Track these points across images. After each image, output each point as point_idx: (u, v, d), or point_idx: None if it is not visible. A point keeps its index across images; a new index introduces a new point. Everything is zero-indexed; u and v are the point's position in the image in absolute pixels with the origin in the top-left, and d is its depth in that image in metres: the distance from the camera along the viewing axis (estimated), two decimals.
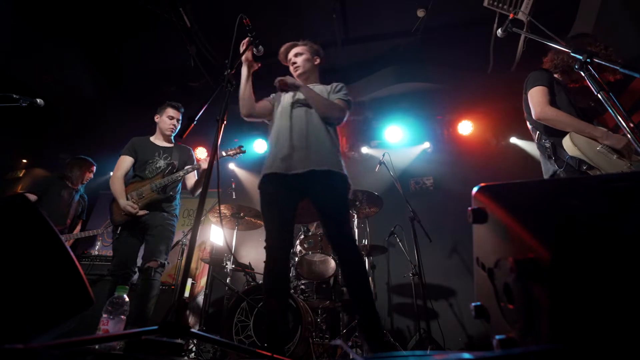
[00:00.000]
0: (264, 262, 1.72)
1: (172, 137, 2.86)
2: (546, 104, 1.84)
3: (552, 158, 1.85)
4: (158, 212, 2.57)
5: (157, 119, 2.84)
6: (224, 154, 2.79)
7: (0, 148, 5.07)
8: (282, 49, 2.17)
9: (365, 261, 1.78)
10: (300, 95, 2.00)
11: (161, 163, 2.70)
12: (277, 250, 1.70)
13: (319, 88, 2.07)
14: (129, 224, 2.51)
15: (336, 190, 1.78)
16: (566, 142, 1.77)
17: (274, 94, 2.17)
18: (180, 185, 2.80)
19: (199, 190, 2.69)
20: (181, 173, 2.65)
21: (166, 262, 2.48)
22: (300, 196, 1.82)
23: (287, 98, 2.04)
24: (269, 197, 1.81)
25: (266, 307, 1.73)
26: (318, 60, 2.16)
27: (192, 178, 2.77)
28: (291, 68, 2.12)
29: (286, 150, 1.81)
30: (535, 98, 1.88)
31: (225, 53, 4.25)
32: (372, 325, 1.61)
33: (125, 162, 2.69)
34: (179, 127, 2.85)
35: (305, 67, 2.09)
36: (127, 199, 2.52)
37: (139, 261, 2.49)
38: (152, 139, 2.82)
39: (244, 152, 2.85)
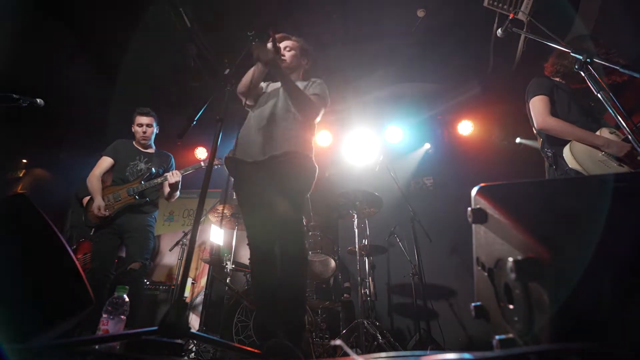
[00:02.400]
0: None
1: (152, 143, 2.88)
2: (547, 114, 1.85)
3: (554, 167, 1.86)
4: (136, 215, 2.59)
5: (133, 128, 2.85)
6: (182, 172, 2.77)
7: (0, 148, 5.06)
8: (277, 36, 2.06)
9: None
10: (282, 92, 1.94)
11: (142, 166, 2.72)
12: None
13: (298, 85, 2.00)
14: (104, 226, 2.53)
15: (295, 170, 1.74)
16: (566, 152, 1.78)
17: (265, 83, 2.13)
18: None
19: (173, 199, 2.77)
20: (159, 180, 2.67)
21: (148, 262, 2.50)
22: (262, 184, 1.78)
23: (273, 94, 2.00)
24: (239, 183, 1.85)
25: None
26: (305, 62, 2.11)
27: (167, 186, 2.77)
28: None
29: (252, 135, 1.83)
30: (536, 108, 1.89)
31: (226, 53, 4.26)
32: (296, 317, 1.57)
33: (105, 162, 2.73)
34: (154, 131, 2.85)
35: (291, 63, 2.01)
36: (105, 201, 2.54)
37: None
38: (135, 142, 2.85)
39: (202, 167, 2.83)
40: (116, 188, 2.64)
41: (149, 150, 2.84)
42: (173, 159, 2.94)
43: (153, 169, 2.73)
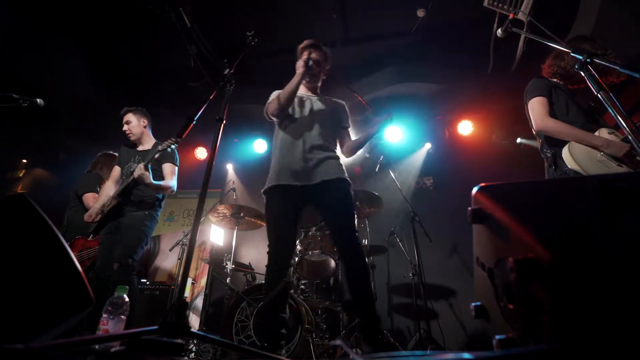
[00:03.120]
0: (266, 265, 1.79)
1: (151, 138, 2.87)
2: (545, 115, 1.86)
3: (553, 167, 1.86)
4: (125, 214, 2.57)
5: None
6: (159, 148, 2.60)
7: (0, 148, 5.07)
8: (305, 43, 2.11)
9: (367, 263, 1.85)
10: (315, 106, 2.08)
11: (134, 166, 2.67)
12: (280, 254, 1.79)
13: (323, 101, 2.16)
14: (101, 227, 2.56)
15: (345, 196, 1.88)
16: (565, 153, 1.79)
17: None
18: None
19: (163, 192, 2.66)
20: (131, 178, 2.55)
21: (131, 262, 2.39)
22: (305, 204, 1.90)
23: (302, 107, 2.09)
24: (276, 207, 1.88)
25: (270, 298, 1.77)
26: (324, 75, 2.22)
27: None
28: (301, 63, 2.06)
29: (296, 161, 1.90)
30: (535, 110, 1.89)
31: (225, 53, 4.25)
32: (373, 327, 1.64)
33: (115, 172, 2.81)
34: (137, 125, 2.79)
35: (318, 78, 2.16)
36: (101, 208, 2.61)
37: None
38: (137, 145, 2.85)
39: (177, 142, 2.62)
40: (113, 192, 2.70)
41: (145, 148, 2.81)
42: (174, 151, 2.73)
43: (147, 164, 2.67)
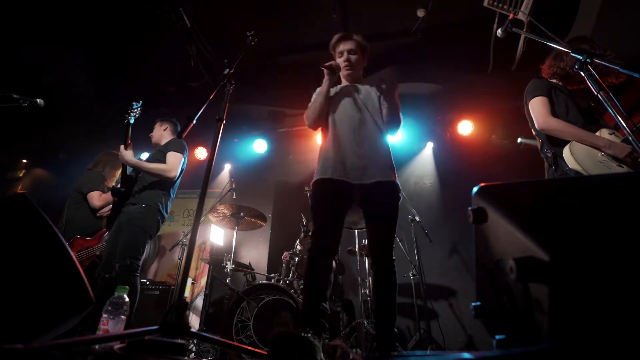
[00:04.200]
0: (309, 249, 1.72)
1: (165, 140, 2.90)
2: (548, 114, 1.85)
3: (553, 167, 1.86)
4: (123, 212, 2.54)
5: None
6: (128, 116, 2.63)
7: (0, 148, 5.07)
8: (335, 38, 2.05)
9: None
10: (358, 96, 1.97)
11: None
12: (326, 240, 1.73)
13: (367, 90, 2.04)
14: (111, 225, 2.56)
15: (393, 200, 1.83)
16: (566, 153, 1.78)
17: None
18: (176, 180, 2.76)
19: (153, 174, 2.57)
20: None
21: (131, 262, 2.31)
22: (353, 203, 1.83)
23: (345, 99, 1.98)
24: (324, 201, 1.80)
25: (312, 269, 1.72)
26: (366, 61, 2.12)
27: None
28: (340, 60, 2.02)
29: (350, 157, 1.81)
30: (537, 109, 1.89)
31: (225, 53, 4.25)
32: (389, 343, 1.64)
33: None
34: (156, 132, 2.95)
35: (356, 68, 2.05)
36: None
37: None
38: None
39: (139, 109, 2.68)
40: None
41: (157, 148, 2.86)
42: (181, 142, 2.75)
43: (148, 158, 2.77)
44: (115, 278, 2.29)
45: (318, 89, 2.01)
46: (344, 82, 2.13)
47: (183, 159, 2.72)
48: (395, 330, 1.68)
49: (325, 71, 1.91)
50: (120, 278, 2.26)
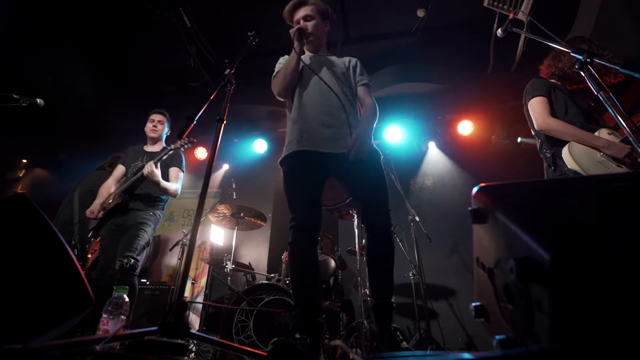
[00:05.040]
0: (289, 242, 1.54)
1: (163, 142, 2.90)
2: (547, 114, 1.85)
3: (552, 167, 1.86)
4: (128, 212, 2.56)
5: (146, 126, 2.91)
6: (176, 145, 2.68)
7: (0, 148, 5.07)
8: (288, 7, 1.90)
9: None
10: (324, 66, 1.85)
11: (140, 164, 2.71)
12: (307, 227, 1.56)
13: (333, 60, 1.90)
14: (102, 225, 2.55)
15: (372, 163, 1.67)
16: (564, 153, 1.79)
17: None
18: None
19: (170, 194, 2.67)
20: (138, 174, 2.59)
21: (133, 261, 2.37)
22: (328, 175, 1.68)
23: (313, 68, 1.84)
24: (297, 175, 1.65)
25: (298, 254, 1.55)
26: (328, 26, 1.95)
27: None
28: (293, 37, 1.82)
29: (319, 128, 1.68)
30: (536, 109, 1.89)
31: (225, 53, 4.26)
32: (387, 310, 1.52)
33: (118, 170, 2.83)
34: (164, 129, 2.89)
35: (317, 35, 1.87)
36: (104, 204, 2.60)
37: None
38: (145, 146, 2.88)
39: (192, 141, 2.70)
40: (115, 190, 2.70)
41: (154, 150, 2.84)
42: (181, 156, 2.84)
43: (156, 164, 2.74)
44: (113, 278, 2.31)
45: (285, 57, 1.90)
46: (306, 53, 1.97)
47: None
48: (393, 302, 1.54)
49: (295, 35, 1.76)
50: (120, 278, 2.28)
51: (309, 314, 1.44)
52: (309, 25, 1.85)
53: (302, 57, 1.86)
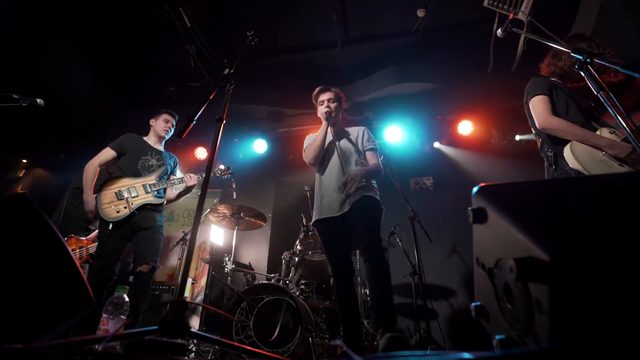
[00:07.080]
0: (332, 287, 2.06)
1: (162, 143, 2.92)
2: (549, 113, 1.83)
3: (553, 167, 1.85)
4: (150, 213, 2.55)
5: (152, 122, 2.90)
6: (217, 173, 3.06)
7: (0, 148, 5.06)
8: (316, 91, 2.43)
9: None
10: (339, 144, 2.29)
11: (153, 162, 2.72)
12: (340, 276, 2.07)
13: (347, 131, 2.40)
14: (121, 225, 2.42)
15: (369, 213, 2.07)
16: (566, 152, 1.77)
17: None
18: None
19: (178, 200, 2.89)
20: (176, 181, 2.73)
21: (157, 265, 2.45)
22: (348, 231, 2.11)
23: (330, 147, 2.32)
24: (324, 240, 2.18)
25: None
26: (342, 108, 2.47)
27: (176, 189, 2.87)
28: (322, 108, 2.35)
29: (332, 193, 2.16)
30: (538, 108, 1.87)
31: (225, 53, 4.25)
32: (386, 304, 1.84)
33: (107, 153, 2.71)
34: (171, 132, 2.93)
35: (336, 113, 2.36)
36: (118, 195, 2.47)
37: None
38: (145, 138, 2.86)
39: (231, 173, 3.09)
40: (129, 182, 2.54)
41: (158, 148, 2.84)
42: (178, 161, 3.00)
43: (168, 168, 2.78)
44: (148, 275, 2.38)
45: (312, 135, 2.41)
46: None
47: None
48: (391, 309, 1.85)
49: (324, 116, 2.28)
50: (146, 278, 2.35)
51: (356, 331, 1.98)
52: (332, 106, 2.34)
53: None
